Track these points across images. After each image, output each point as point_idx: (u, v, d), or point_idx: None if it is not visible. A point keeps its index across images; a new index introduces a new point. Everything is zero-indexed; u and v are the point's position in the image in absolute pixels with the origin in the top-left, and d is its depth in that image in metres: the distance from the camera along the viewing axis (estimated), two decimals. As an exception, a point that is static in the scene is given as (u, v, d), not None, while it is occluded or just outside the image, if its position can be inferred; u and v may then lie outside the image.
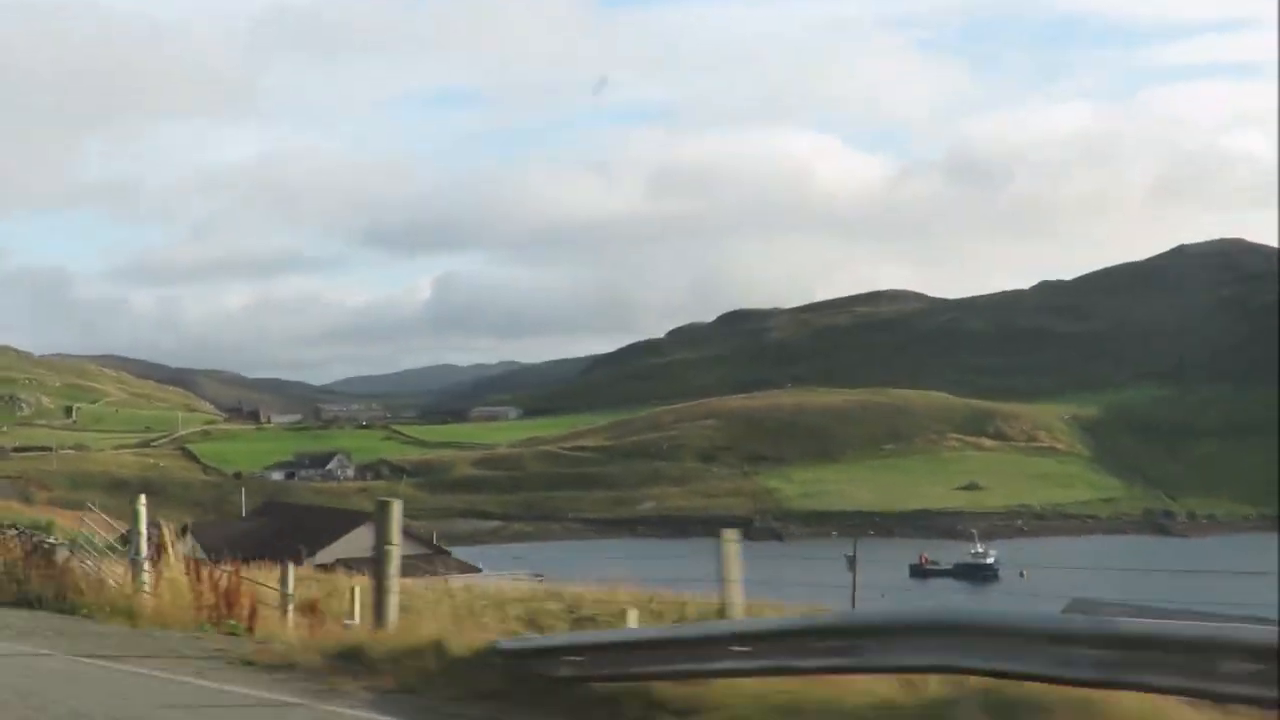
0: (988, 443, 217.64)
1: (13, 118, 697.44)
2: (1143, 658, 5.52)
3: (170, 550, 17.09)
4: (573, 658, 8.63)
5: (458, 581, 52.41)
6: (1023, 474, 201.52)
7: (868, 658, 6.66)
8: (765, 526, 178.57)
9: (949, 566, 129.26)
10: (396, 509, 11.47)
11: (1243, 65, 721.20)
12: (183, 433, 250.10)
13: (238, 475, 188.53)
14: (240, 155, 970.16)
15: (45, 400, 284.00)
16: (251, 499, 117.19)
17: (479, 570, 66.25)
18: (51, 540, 19.46)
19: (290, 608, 17.89)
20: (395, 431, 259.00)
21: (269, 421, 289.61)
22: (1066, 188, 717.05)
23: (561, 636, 11.00)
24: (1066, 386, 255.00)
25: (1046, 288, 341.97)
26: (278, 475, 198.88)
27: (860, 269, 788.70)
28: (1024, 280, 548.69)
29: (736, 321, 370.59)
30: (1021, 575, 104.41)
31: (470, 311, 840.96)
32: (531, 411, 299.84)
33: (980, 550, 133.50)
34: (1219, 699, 5.63)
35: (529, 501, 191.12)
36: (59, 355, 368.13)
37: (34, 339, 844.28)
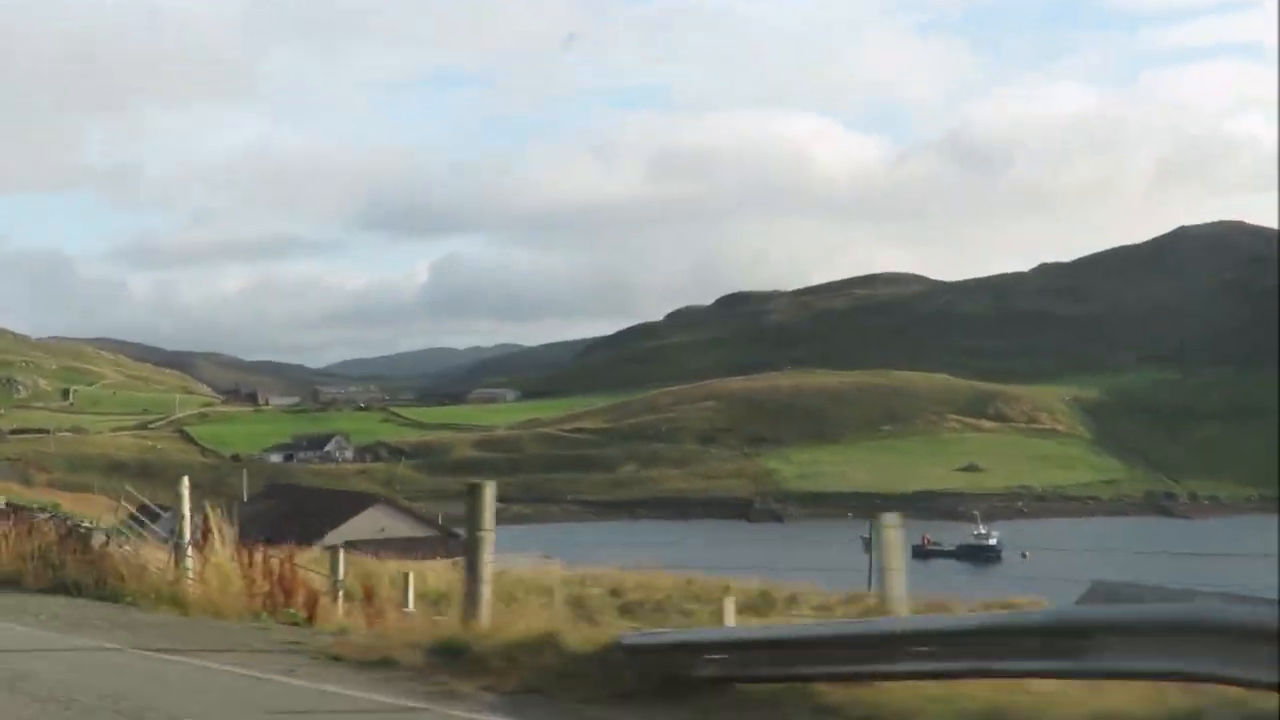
0: (988, 424, 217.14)
1: (12, 101, 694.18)
2: None
3: (218, 534, 16.33)
4: (716, 655, 7.86)
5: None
6: (1023, 455, 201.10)
7: (1090, 661, 5.89)
8: (766, 508, 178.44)
9: (951, 548, 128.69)
10: (489, 492, 10.66)
11: (1246, 47, 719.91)
12: (180, 415, 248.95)
13: (236, 457, 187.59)
14: (239, 139, 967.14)
15: (42, 383, 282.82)
16: (251, 481, 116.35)
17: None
18: (87, 524, 18.66)
19: (340, 594, 17.09)
20: (393, 414, 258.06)
21: (267, 404, 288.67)
22: (1067, 170, 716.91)
23: (699, 632, 10.17)
24: (1066, 369, 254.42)
25: (1046, 270, 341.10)
26: (276, 457, 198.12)
27: (859, 251, 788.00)
28: (1023, 262, 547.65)
29: (735, 304, 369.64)
30: (1024, 556, 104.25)
31: (468, 294, 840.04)
32: (530, 394, 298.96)
33: (983, 532, 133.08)
34: None
35: (528, 483, 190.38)
36: (56, 338, 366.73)
37: (31, 321, 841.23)
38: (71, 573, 17.46)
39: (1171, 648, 5.57)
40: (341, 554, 17.60)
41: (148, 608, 15.40)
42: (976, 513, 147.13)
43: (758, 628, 11.09)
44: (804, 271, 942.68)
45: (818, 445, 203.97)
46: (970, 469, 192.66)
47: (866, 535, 64.75)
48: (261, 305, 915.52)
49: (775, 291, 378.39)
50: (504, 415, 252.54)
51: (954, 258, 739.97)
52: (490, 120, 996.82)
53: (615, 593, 26.71)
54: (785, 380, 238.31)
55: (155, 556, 17.53)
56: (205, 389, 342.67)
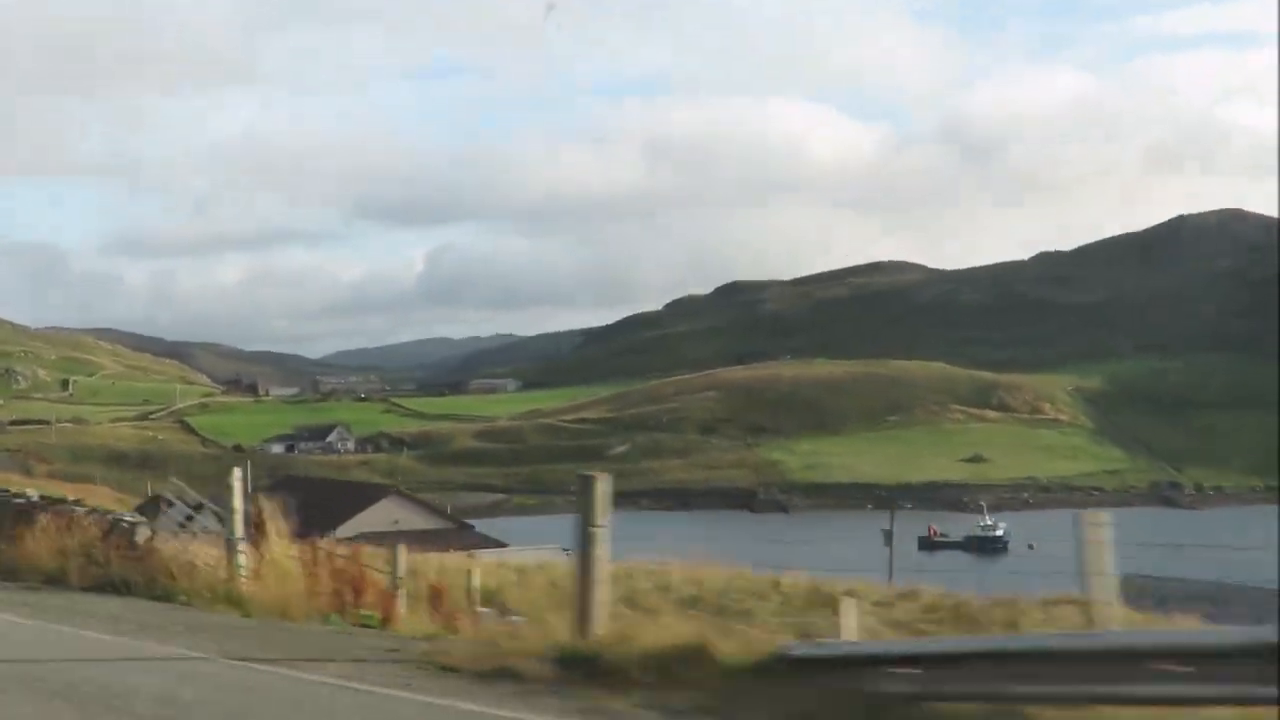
0: (991, 414, 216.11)
1: (8, 90, 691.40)
2: None
3: (274, 530, 15.53)
4: (908, 669, 7.05)
5: (489, 557, 50.52)
6: (1027, 446, 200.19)
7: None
8: (770, 499, 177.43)
9: (958, 539, 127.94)
10: (602, 485, 9.81)
11: (1240, 34, 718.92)
12: (180, 405, 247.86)
13: (238, 448, 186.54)
14: (236, 129, 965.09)
15: (41, 373, 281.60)
16: (253, 472, 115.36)
17: (504, 545, 64.55)
18: (129, 519, 17.87)
19: (402, 593, 16.24)
20: (394, 404, 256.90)
21: (267, 394, 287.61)
22: (1064, 158, 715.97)
23: (881, 644, 9.34)
24: (1067, 358, 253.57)
25: (1045, 258, 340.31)
26: (278, 448, 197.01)
27: (857, 240, 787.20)
28: (1023, 251, 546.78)
29: (733, 294, 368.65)
30: (1031, 548, 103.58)
31: (465, 284, 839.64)
32: (529, 384, 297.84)
33: (989, 523, 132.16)
34: None
35: (531, 474, 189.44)
36: (55, 328, 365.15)
37: (30, 312, 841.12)
38: (118, 570, 16.63)
39: None
40: (401, 550, 16.70)
41: (204, 607, 14.58)
42: (983, 504, 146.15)
43: (954, 638, 10.27)
44: (802, 260, 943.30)
45: (819, 436, 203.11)
46: (975, 459, 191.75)
47: (887, 527, 64.21)
48: (259, 295, 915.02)
49: (773, 280, 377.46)
50: (505, 406, 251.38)
51: (952, 246, 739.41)
52: (488, 109, 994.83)
53: (663, 588, 25.56)
54: (786, 370, 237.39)
55: (204, 553, 16.69)
56: (204, 379, 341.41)
